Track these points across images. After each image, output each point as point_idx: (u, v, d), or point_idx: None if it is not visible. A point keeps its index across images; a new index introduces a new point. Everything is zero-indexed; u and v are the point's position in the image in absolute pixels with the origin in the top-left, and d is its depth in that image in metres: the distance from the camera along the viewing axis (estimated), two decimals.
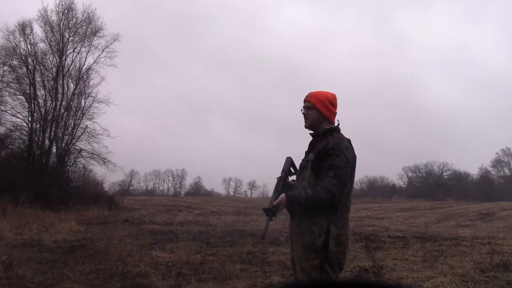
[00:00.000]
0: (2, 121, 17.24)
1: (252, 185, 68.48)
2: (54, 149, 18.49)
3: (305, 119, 2.48)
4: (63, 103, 18.72)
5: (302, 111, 2.48)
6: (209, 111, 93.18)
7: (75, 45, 19.10)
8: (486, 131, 74.78)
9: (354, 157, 2.36)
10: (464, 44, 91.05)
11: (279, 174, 2.59)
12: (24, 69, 17.67)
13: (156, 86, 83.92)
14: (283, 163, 2.66)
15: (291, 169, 2.65)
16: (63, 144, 18.79)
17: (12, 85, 17.45)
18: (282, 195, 2.25)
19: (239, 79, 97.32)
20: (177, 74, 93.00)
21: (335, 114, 2.49)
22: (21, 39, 17.81)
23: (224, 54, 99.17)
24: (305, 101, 2.48)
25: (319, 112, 2.43)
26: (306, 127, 2.50)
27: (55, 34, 18.57)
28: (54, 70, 18.52)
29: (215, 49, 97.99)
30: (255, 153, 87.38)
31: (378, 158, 69.28)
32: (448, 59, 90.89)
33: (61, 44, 18.61)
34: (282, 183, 2.51)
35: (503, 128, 73.75)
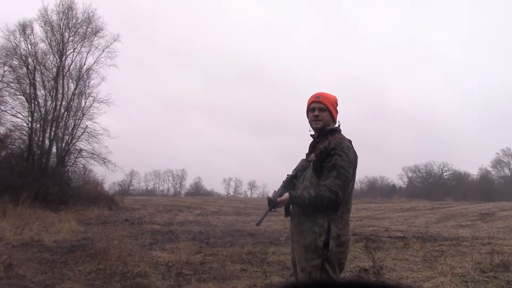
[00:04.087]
0: (2, 121, 17.27)
1: (252, 185, 68.61)
2: (54, 149, 18.53)
3: (316, 120, 2.45)
4: (63, 103, 18.74)
5: (315, 112, 2.44)
6: (196, 112, 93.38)
7: (75, 45, 19.15)
8: (486, 131, 74.99)
9: (355, 157, 2.37)
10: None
11: (276, 174, 2.60)
12: (24, 69, 17.70)
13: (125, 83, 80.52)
14: (297, 163, 2.64)
15: None
16: (63, 144, 18.79)
17: (12, 85, 17.49)
18: (286, 194, 2.25)
19: (208, 75, 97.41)
20: (148, 71, 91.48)
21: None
22: (22, 39, 17.87)
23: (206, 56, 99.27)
24: (316, 102, 2.45)
25: (330, 114, 2.45)
26: (318, 128, 2.46)
27: (56, 34, 18.60)
28: (54, 70, 18.53)
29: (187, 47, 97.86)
30: (254, 153, 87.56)
31: (376, 157, 69.48)
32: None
33: (61, 44, 18.62)
34: (291, 181, 2.50)
35: (503, 128, 73.93)
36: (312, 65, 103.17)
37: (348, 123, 2.50)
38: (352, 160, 2.31)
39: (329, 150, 2.30)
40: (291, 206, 2.48)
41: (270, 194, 2.37)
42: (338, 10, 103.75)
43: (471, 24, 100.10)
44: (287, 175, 2.52)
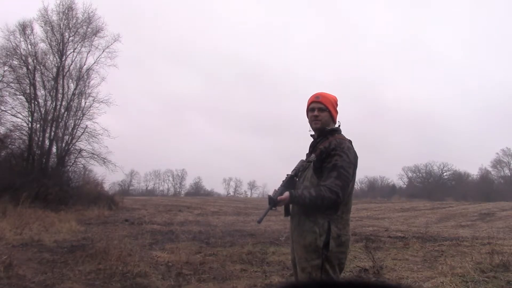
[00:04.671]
0: (2, 121, 17.26)
1: (252, 185, 68.60)
2: (54, 149, 18.53)
3: (316, 120, 2.46)
4: (63, 103, 18.74)
5: (314, 112, 2.45)
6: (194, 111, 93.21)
7: (76, 45, 19.15)
8: (486, 131, 75.05)
9: (356, 157, 2.37)
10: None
11: (276, 174, 2.59)
12: (25, 69, 17.70)
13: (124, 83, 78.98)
14: (296, 164, 2.64)
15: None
16: (63, 144, 18.79)
17: (12, 85, 17.49)
18: (287, 193, 2.26)
19: (207, 75, 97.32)
20: (146, 71, 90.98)
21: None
22: (22, 39, 17.87)
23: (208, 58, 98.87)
24: (316, 102, 2.46)
25: (330, 114, 2.45)
26: (317, 128, 2.47)
27: (56, 34, 18.59)
28: (54, 70, 18.53)
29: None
30: (254, 153, 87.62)
31: (376, 157, 69.55)
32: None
33: (61, 44, 18.62)
34: (291, 181, 2.49)
35: (503, 128, 73.98)
36: (312, 65, 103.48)
37: (348, 123, 2.51)
38: (352, 160, 2.31)
39: (330, 150, 2.30)
40: (291, 206, 2.48)
41: (271, 193, 2.37)
42: (338, 10, 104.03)
43: (471, 24, 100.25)
44: (287, 174, 2.52)
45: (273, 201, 2.26)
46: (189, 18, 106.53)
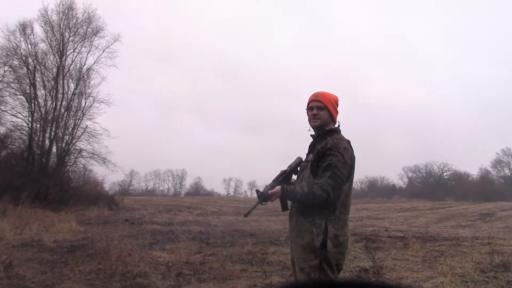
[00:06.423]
0: (2, 121, 17.27)
1: (252, 185, 68.47)
2: (54, 149, 18.53)
3: (315, 118, 2.45)
4: (63, 103, 18.74)
5: (313, 110, 2.44)
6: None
7: (76, 45, 19.16)
8: (486, 131, 75.08)
9: (352, 158, 2.35)
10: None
11: (276, 174, 2.58)
12: (25, 69, 17.71)
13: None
14: (293, 161, 2.63)
15: (298, 168, 2.63)
16: (63, 144, 18.79)
17: (13, 85, 17.49)
18: (278, 187, 2.25)
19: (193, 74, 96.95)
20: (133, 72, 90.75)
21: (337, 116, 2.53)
22: (22, 39, 17.88)
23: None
24: (315, 100, 2.45)
25: (329, 113, 2.44)
26: (316, 126, 2.47)
27: (56, 34, 18.60)
28: (55, 70, 18.53)
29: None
30: (254, 153, 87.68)
31: (377, 158, 69.56)
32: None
33: (61, 44, 18.63)
34: (284, 177, 2.49)
35: (503, 128, 74.00)
36: (315, 66, 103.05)
37: (347, 123, 2.51)
38: (347, 161, 2.29)
39: (326, 150, 2.30)
40: (289, 204, 2.48)
41: (261, 190, 2.37)
42: (312, 10, 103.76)
43: (471, 23, 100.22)
44: (281, 171, 2.52)
45: (262, 196, 2.24)
46: (190, 19, 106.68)
